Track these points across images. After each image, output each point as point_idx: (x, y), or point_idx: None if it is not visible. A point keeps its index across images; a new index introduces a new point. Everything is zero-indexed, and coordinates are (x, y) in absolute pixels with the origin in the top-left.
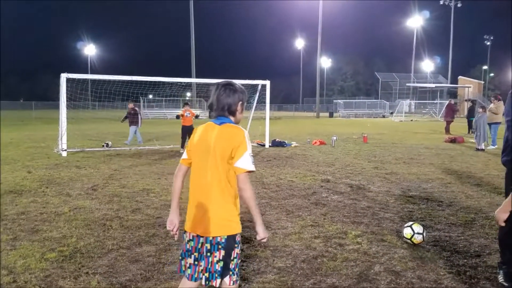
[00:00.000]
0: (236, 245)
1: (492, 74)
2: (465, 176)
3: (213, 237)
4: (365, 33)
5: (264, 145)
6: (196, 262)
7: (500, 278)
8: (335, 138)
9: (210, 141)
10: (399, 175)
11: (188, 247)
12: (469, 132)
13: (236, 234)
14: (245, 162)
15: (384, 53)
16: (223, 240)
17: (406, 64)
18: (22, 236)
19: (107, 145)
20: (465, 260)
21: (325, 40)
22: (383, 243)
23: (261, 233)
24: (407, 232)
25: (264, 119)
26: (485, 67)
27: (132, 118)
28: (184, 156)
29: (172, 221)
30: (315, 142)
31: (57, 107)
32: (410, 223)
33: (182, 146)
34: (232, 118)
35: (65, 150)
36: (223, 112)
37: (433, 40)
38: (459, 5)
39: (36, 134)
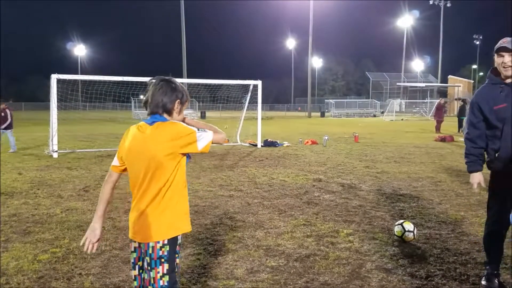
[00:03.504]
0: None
1: (481, 73)
2: (455, 174)
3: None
4: (355, 33)
5: (256, 145)
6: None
7: (483, 280)
8: (326, 137)
9: (144, 144)
10: (390, 174)
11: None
12: (459, 131)
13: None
14: (203, 140)
15: (374, 53)
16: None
17: (396, 64)
18: (14, 238)
19: None
20: (455, 257)
21: (316, 40)
22: (374, 241)
23: None
24: (398, 230)
25: (256, 119)
26: (474, 66)
27: (4, 120)
28: (115, 162)
29: (94, 231)
30: (307, 142)
31: (47, 108)
32: (401, 221)
33: None
34: (168, 118)
35: (56, 151)
36: (157, 109)
37: (423, 40)
38: (448, 4)
39: (26, 135)
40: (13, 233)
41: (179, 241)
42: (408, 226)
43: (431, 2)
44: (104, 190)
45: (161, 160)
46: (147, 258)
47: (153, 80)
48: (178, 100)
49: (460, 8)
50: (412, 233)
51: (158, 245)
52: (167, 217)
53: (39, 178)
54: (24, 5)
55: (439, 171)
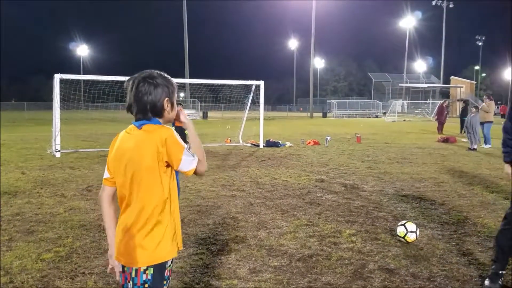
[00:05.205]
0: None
1: (484, 74)
2: (457, 175)
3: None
4: (357, 34)
5: (258, 146)
6: None
7: (486, 280)
8: (328, 138)
9: (131, 148)
10: (392, 175)
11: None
12: (461, 132)
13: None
14: (187, 164)
15: (376, 54)
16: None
17: (398, 65)
18: (18, 237)
19: None
20: (458, 258)
21: (318, 41)
22: (377, 242)
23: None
24: (400, 230)
25: (258, 119)
26: (477, 67)
27: None
28: (106, 175)
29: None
30: (309, 142)
31: (49, 108)
32: (404, 221)
33: None
34: (160, 120)
35: (59, 151)
36: (144, 115)
37: (426, 41)
38: (451, 5)
39: (29, 135)
40: (17, 232)
41: (168, 265)
42: (411, 226)
43: (433, 3)
44: (104, 211)
45: (150, 167)
46: (130, 283)
47: (131, 81)
48: (167, 98)
49: (463, 9)
50: (414, 234)
51: (142, 268)
52: (154, 240)
53: (42, 177)
54: (26, 5)
55: (442, 172)
